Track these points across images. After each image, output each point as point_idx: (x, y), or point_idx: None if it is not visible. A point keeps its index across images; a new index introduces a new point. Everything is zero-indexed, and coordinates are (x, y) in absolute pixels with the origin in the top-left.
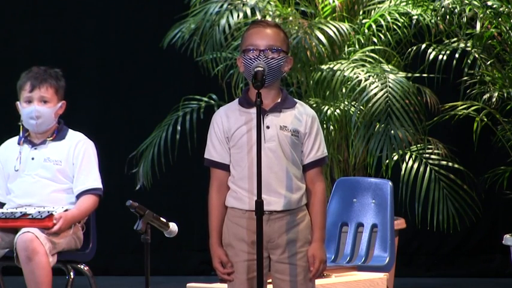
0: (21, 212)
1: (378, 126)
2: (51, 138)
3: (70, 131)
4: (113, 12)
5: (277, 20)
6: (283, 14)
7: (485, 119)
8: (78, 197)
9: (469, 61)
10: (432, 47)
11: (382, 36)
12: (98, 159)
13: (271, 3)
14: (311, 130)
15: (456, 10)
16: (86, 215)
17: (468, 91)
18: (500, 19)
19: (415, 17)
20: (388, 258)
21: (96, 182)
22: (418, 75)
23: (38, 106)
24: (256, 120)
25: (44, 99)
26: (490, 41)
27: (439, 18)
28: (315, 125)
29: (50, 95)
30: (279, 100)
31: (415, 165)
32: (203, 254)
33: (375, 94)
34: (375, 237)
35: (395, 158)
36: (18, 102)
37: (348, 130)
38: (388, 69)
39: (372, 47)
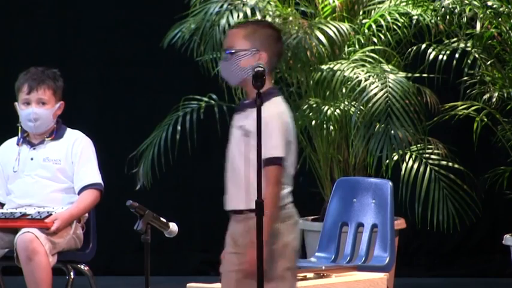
0: (20, 212)
1: (378, 126)
2: (49, 138)
3: (68, 129)
4: (113, 12)
5: (277, 20)
6: (283, 14)
7: (485, 119)
8: (79, 193)
9: (469, 61)
10: (432, 47)
11: (382, 36)
12: (98, 158)
13: (271, 3)
14: (262, 129)
15: (456, 10)
16: (86, 210)
17: (468, 91)
18: (500, 19)
19: (415, 17)
20: (388, 258)
21: (96, 177)
22: (418, 75)
23: (35, 108)
24: (257, 120)
25: (42, 101)
26: (490, 41)
27: (439, 18)
28: (266, 125)
29: (47, 97)
30: (250, 99)
31: (415, 165)
32: (203, 254)
33: (375, 94)
34: (375, 237)
35: (396, 158)
36: (16, 103)
37: (348, 130)
38: (388, 69)
39: (372, 47)
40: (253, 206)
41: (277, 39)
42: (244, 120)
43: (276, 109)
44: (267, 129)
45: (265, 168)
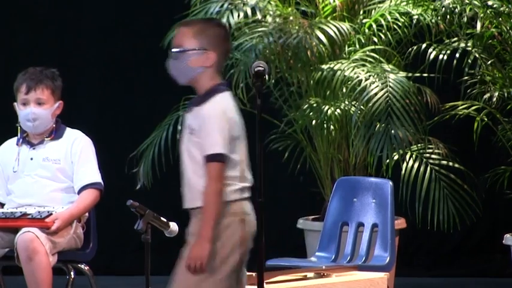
0: (21, 212)
1: (378, 126)
2: (49, 138)
3: (68, 129)
4: (113, 12)
5: (277, 19)
6: (283, 13)
7: (486, 119)
8: (79, 193)
9: (469, 61)
10: (432, 47)
11: (382, 35)
12: (98, 158)
13: (272, 2)
14: (199, 127)
15: (456, 10)
16: (86, 210)
17: (468, 91)
18: (500, 19)
19: (416, 16)
20: (388, 258)
21: (95, 176)
22: (418, 75)
23: (34, 108)
24: (257, 120)
25: (41, 101)
26: (490, 41)
27: (439, 17)
28: (204, 122)
29: (46, 97)
30: (201, 95)
31: (416, 165)
32: None
33: (375, 94)
34: (376, 237)
35: (396, 157)
36: (15, 103)
37: (349, 130)
38: (389, 69)
39: (372, 47)
40: (196, 205)
41: (225, 39)
42: (190, 119)
43: (217, 105)
44: (206, 126)
45: (206, 164)
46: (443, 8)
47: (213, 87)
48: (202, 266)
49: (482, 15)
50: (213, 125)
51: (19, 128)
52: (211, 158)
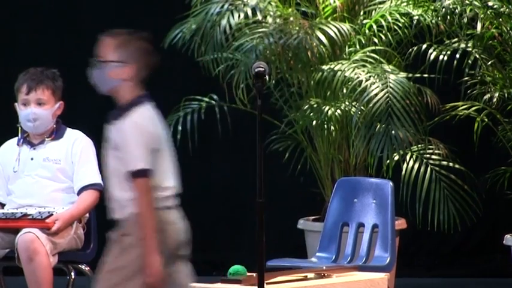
0: (21, 213)
1: (378, 126)
2: (49, 138)
3: (68, 129)
4: (114, 12)
5: (277, 20)
6: (283, 14)
7: (486, 120)
8: (79, 193)
9: (469, 61)
10: (433, 48)
11: (382, 36)
12: (98, 158)
13: (272, 3)
14: (121, 143)
15: (457, 10)
16: (87, 211)
17: (469, 91)
18: (501, 19)
19: (416, 17)
20: (388, 259)
21: (96, 177)
22: (418, 75)
23: (34, 109)
24: (257, 121)
25: (41, 102)
26: (490, 42)
27: (439, 18)
28: (125, 138)
29: (46, 97)
30: (121, 108)
31: (416, 166)
32: (204, 254)
33: (376, 94)
34: (376, 238)
35: (396, 158)
36: (16, 104)
37: (349, 130)
38: (389, 70)
39: (373, 48)
40: (124, 215)
41: (147, 52)
42: (113, 133)
43: (137, 119)
44: (127, 142)
45: (132, 181)
46: (444, 9)
47: (133, 100)
48: (159, 275)
49: (482, 15)
50: (133, 140)
51: (20, 128)
52: (136, 175)
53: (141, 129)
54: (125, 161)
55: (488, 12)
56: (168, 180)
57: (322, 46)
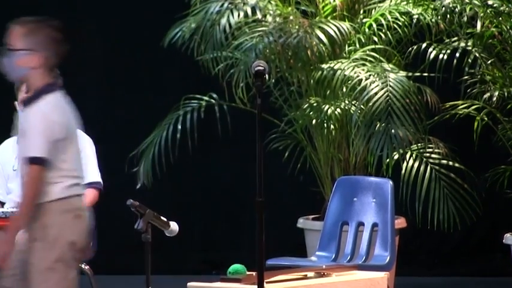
0: None
1: (378, 125)
2: None
3: None
4: (114, 12)
5: (277, 19)
6: (283, 13)
7: (486, 118)
8: None
9: (469, 60)
10: (433, 46)
11: (382, 35)
12: (98, 157)
13: (272, 2)
14: (27, 129)
15: (457, 9)
16: None
17: (469, 90)
18: (500, 18)
19: (416, 16)
20: (388, 258)
21: (95, 176)
22: (418, 74)
23: None
24: (257, 119)
25: None
26: (490, 40)
27: (439, 17)
28: (29, 125)
29: None
30: (30, 95)
31: (416, 165)
32: (204, 253)
33: (376, 93)
34: (376, 236)
35: (396, 157)
36: (16, 102)
37: (349, 129)
38: (389, 69)
39: (373, 46)
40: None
41: (57, 40)
42: (22, 120)
43: (43, 108)
44: (30, 129)
45: (28, 166)
46: (444, 8)
47: (42, 88)
48: (5, 255)
49: (482, 14)
50: (36, 128)
51: None
52: (31, 161)
53: (46, 118)
54: (26, 147)
55: (488, 11)
56: (77, 169)
57: (322, 45)
